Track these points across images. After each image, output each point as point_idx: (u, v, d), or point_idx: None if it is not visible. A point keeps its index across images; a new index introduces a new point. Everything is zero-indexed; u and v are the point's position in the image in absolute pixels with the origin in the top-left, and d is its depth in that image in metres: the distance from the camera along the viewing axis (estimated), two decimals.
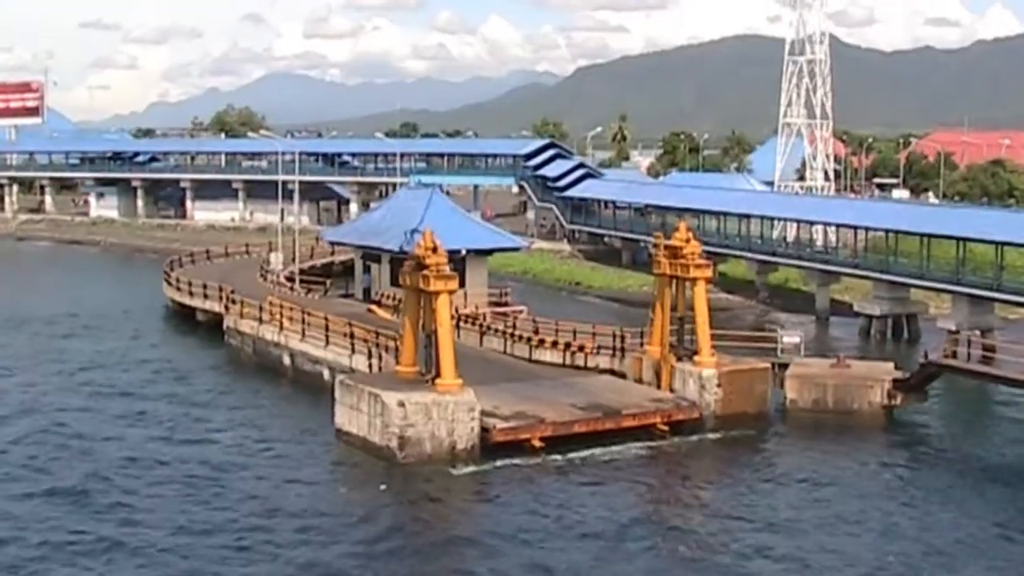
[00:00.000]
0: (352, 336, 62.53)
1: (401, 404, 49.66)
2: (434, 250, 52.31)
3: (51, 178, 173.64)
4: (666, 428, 54.09)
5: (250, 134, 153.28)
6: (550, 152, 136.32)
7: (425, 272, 51.88)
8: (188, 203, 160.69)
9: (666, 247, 58.39)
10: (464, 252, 76.49)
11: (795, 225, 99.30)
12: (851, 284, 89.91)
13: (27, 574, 37.83)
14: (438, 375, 51.23)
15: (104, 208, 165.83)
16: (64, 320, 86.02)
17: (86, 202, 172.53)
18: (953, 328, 71.23)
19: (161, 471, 48.74)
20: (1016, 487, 48.58)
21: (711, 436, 54.75)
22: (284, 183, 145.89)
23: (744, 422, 55.66)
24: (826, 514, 44.45)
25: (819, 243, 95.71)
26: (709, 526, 43.70)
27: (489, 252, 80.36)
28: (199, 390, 64.21)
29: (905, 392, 56.96)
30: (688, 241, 57.46)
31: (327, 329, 65.03)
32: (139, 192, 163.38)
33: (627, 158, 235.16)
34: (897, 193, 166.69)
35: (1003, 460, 52.56)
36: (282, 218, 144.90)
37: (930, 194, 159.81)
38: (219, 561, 39.26)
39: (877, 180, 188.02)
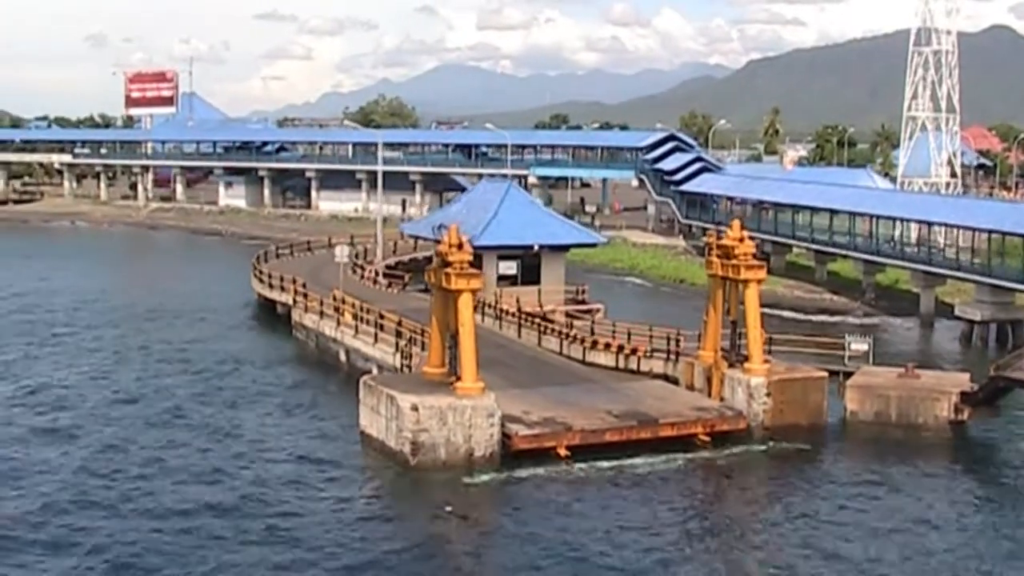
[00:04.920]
0: (398, 334, 60.23)
1: (414, 408, 47.13)
2: (459, 247, 49.58)
3: (182, 167, 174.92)
4: (707, 439, 50.57)
5: (346, 123, 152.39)
6: (669, 145, 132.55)
7: (448, 270, 49.18)
8: (313, 193, 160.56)
9: (719, 246, 54.88)
10: (537, 247, 74.14)
11: (916, 224, 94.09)
12: (962, 287, 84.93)
13: None
14: (459, 377, 48.59)
15: (232, 197, 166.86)
16: (156, 311, 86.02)
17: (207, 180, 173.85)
18: None
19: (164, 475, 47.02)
20: None
21: (757, 449, 51.05)
22: (408, 174, 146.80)
23: (796, 435, 51.86)
24: (879, 540, 40.80)
25: (940, 243, 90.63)
26: (740, 550, 40.49)
27: (566, 248, 77.44)
28: (248, 384, 62.63)
29: (973, 406, 52.62)
30: (741, 240, 53.91)
31: (378, 326, 62.86)
32: (266, 182, 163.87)
33: (774, 152, 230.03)
34: None
35: None
36: (404, 208, 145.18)
37: None
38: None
39: None
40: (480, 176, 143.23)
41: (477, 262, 72.39)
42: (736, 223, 55.64)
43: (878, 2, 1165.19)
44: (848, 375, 56.09)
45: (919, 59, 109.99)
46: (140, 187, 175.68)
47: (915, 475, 48.41)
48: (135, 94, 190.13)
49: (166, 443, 50.81)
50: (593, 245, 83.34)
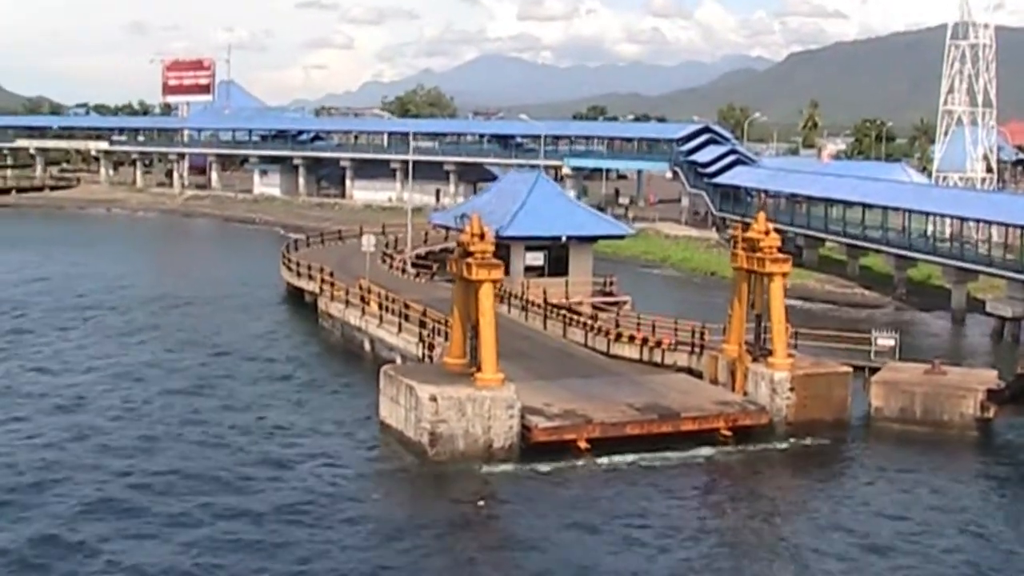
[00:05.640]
0: (422, 324, 59.96)
1: (433, 398, 46.82)
2: (481, 236, 49.21)
3: (217, 155, 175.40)
4: (729, 434, 50.02)
5: (375, 112, 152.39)
6: (704, 137, 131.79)
7: (469, 260, 48.87)
8: (347, 182, 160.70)
9: (744, 239, 54.42)
10: (564, 238, 73.83)
11: (950, 219, 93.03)
12: (995, 283, 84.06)
13: None
14: (479, 368, 48.29)
15: (267, 186, 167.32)
16: (184, 298, 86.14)
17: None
18: None
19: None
20: None
21: (779, 445, 50.47)
22: (442, 164, 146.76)
23: (819, 430, 51.30)
24: (901, 538, 40.20)
25: (973, 239, 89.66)
26: (759, 546, 40.08)
27: (593, 239, 77.02)
28: (271, 373, 62.48)
29: (999, 404, 51.88)
30: (767, 233, 53.36)
31: (403, 316, 62.63)
32: (301, 170, 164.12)
33: (812, 145, 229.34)
34: None
35: None
36: (438, 198, 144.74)
37: None
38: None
39: None
40: (514, 167, 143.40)
41: (505, 252, 72.59)
42: (761, 216, 55.07)
43: None
44: (874, 371, 55.48)
45: (956, 53, 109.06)
46: (175, 175, 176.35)
47: (939, 473, 47.84)
48: (172, 82, 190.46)
49: (183, 431, 50.70)
50: (621, 237, 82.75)
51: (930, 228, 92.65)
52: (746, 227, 55.63)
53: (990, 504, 44.45)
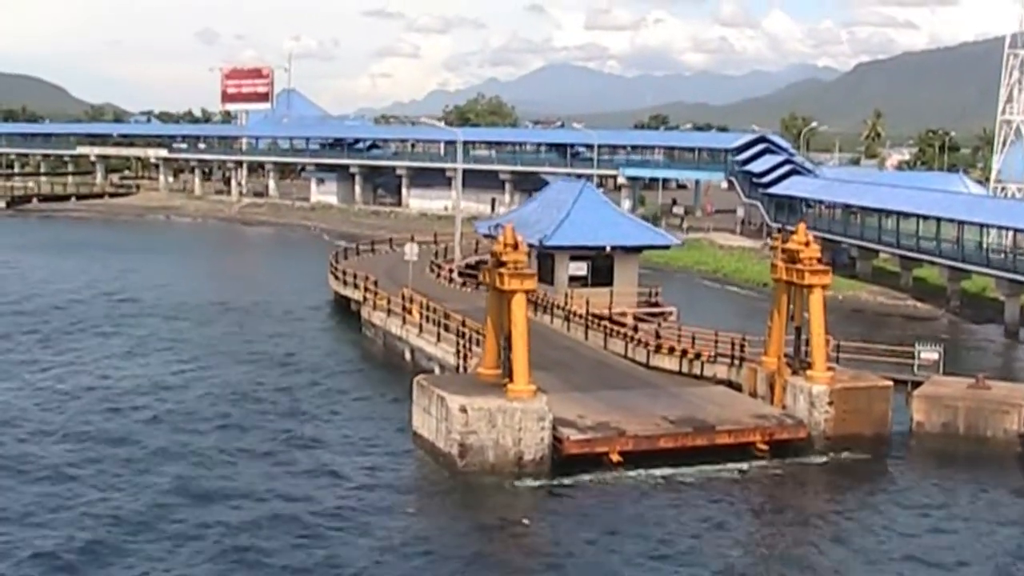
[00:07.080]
0: (460, 334, 59.53)
1: (463, 409, 46.34)
2: (514, 246, 48.70)
3: (274, 163, 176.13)
4: (766, 448, 49.20)
5: (423, 119, 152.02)
6: (759, 147, 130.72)
7: (501, 270, 48.41)
8: (403, 190, 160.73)
9: (783, 250, 53.66)
10: (609, 248, 73.29)
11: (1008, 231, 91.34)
12: None
13: None
14: (511, 379, 47.77)
15: (324, 194, 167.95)
16: (231, 305, 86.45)
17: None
18: None
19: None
20: None
21: (817, 459, 49.62)
22: (497, 173, 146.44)
23: (858, 445, 50.35)
24: (939, 557, 39.38)
25: None
26: (794, 564, 39.16)
27: (639, 249, 76.32)
28: (310, 381, 62.21)
29: None
30: (807, 244, 52.55)
31: (442, 326, 62.23)
32: (357, 179, 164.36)
33: (875, 155, 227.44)
34: None
35: None
36: (493, 207, 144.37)
37: None
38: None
39: None
40: (568, 176, 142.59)
41: (549, 262, 72.28)
42: (802, 226, 54.28)
43: (990, 5, 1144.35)
44: (917, 384, 54.49)
45: (1014, 62, 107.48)
46: (233, 182, 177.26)
47: (980, 490, 46.76)
48: (231, 90, 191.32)
49: (216, 438, 50.61)
50: (667, 247, 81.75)
51: (986, 240, 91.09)
52: (784, 238, 54.87)
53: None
